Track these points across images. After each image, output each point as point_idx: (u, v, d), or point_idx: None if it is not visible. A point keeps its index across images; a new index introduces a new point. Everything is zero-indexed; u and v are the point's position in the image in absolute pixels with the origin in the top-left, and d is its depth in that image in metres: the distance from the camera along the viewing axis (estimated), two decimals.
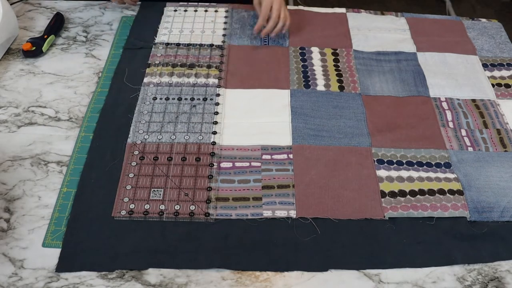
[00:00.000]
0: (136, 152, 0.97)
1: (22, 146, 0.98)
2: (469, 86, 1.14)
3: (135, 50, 1.19)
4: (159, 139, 0.99)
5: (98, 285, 0.79)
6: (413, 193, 0.93)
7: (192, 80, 1.11)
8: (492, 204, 0.91)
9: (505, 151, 1.01)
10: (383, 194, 0.92)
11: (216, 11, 1.32)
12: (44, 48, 1.16)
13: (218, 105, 1.07)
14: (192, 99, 1.07)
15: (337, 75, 1.15)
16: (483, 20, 1.35)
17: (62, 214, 0.87)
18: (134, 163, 0.95)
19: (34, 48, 1.16)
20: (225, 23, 1.28)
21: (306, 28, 1.27)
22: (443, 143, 1.02)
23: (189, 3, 1.33)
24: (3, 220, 0.86)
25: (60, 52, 1.19)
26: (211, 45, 1.21)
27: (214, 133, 1.01)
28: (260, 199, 0.90)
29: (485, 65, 1.20)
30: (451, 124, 1.06)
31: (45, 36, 1.18)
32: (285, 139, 1.01)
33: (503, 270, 0.83)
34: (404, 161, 0.98)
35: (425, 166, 0.97)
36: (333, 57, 1.20)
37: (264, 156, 0.97)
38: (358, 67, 1.18)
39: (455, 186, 0.94)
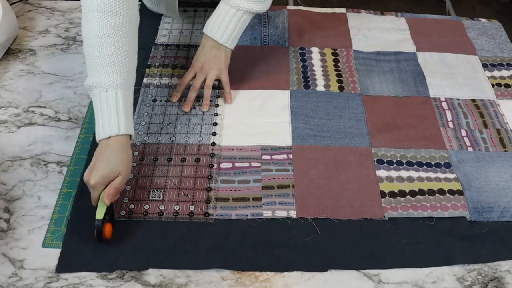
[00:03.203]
0: (136, 153, 0.97)
1: (22, 146, 0.98)
2: (469, 86, 1.14)
3: None
4: (159, 140, 0.99)
5: (98, 286, 0.79)
6: (413, 193, 0.92)
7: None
8: (492, 204, 0.91)
9: (505, 151, 1.01)
10: (383, 194, 0.92)
11: None
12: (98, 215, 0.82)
13: (217, 106, 1.07)
14: None
15: (337, 75, 1.15)
16: (483, 20, 1.35)
17: (62, 215, 0.87)
18: (133, 164, 0.95)
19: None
20: None
21: (306, 28, 1.27)
22: (443, 143, 1.02)
23: (189, 3, 1.33)
24: (3, 220, 0.86)
25: (60, 52, 1.19)
26: None
27: (214, 134, 1.01)
28: (260, 199, 0.90)
29: (485, 65, 1.20)
30: (451, 124, 1.05)
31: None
32: (285, 139, 1.01)
33: (503, 270, 0.83)
34: (404, 161, 0.98)
35: (425, 166, 0.97)
36: (333, 57, 1.20)
37: (264, 156, 0.97)
38: (358, 67, 1.18)
39: (455, 186, 0.94)
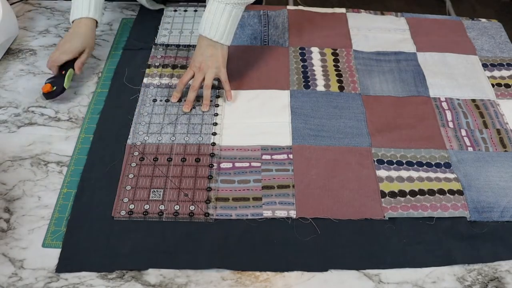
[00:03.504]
0: (136, 153, 0.97)
1: (22, 146, 0.98)
2: (469, 86, 1.14)
3: (135, 51, 1.19)
4: (159, 140, 0.99)
5: (98, 285, 0.79)
6: (413, 193, 0.92)
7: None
8: (492, 204, 0.91)
9: (505, 151, 1.01)
10: (383, 194, 0.92)
11: None
12: (66, 85, 1.05)
13: (218, 106, 1.07)
14: None
15: (337, 75, 1.15)
16: (483, 20, 1.35)
17: (62, 215, 0.87)
18: (134, 164, 0.95)
19: (54, 88, 1.04)
20: None
21: (306, 28, 1.27)
22: (443, 143, 1.02)
23: (189, 3, 1.33)
24: (3, 220, 0.87)
25: None
26: None
27: (214, 134, 1.01)
28: (260, 199, 0.90)
29: (485, 65, 1.20)
30: (451, 124, 1.05)
31: (63, 72, 1.06)
32: (285, 139, 1.00)
33: (503, 270, 0.83)
34: (404, 161, 0.98)
35: (425, 166, 0.97)
36: (333, 57, 1.20)
37: (264, 156, 0.97)
38: (358, 67, 1.18)
39: (455, 186, 0.94)
